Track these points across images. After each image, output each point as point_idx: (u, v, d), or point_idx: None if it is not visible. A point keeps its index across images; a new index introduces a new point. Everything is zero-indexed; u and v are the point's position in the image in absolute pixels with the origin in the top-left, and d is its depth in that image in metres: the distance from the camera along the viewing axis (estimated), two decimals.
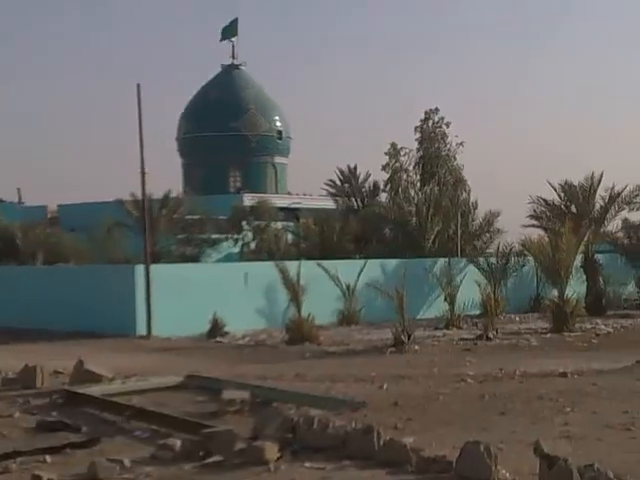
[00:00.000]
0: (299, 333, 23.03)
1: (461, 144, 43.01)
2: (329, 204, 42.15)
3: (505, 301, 29.37)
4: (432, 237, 34.98)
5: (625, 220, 34.63)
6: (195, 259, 34.76)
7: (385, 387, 14.51)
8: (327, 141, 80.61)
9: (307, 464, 9.24)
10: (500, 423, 11.32)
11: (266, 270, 25.85)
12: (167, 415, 11.60)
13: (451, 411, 12.29)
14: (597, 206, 32.63)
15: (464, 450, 8.64)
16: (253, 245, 37.58)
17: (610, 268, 33.04)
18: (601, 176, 32.66)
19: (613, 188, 32.53)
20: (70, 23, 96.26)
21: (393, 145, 42.52)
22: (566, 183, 32.90)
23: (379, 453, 9.28)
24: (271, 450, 9.34)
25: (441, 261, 30.65)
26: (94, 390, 13.75)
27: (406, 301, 22.22)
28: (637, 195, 32.45)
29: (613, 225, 34.11)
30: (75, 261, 33.40)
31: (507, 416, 11.80)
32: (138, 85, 26.17)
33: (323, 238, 35.72)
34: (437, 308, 28.22)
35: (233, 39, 58.80)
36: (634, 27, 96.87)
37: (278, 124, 58.11)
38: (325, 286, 26.84)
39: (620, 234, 34.95)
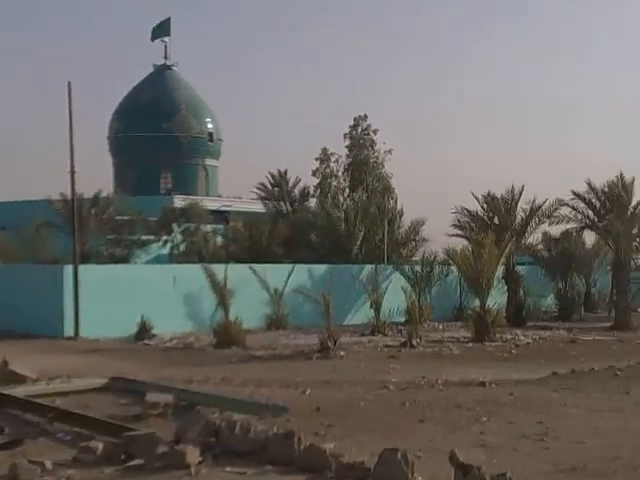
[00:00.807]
0: (227, 337, 23.13)
1: (389, 152, 43.52)
2: (259, 208, 42.24)
3: (429, 309, 29.82)
4: (359, 243, 35.35)
5: (545, 233, 35.46)
6: (124, 260, 34.57)
7: (308, 392, 14.71)
8: (259, 144, 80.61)
9: (228, 468, 9.36)
10: (419, 431, 11.58)
11: (195, 273, 25.87)
12: (90, 417, 11.63)
13: (372, 418, 12.52)
14: (518, 218, 33.26)
15: (382, 457, 8.82)
16: (183, 247, 37.49)
17: (530, 280, 33.78)
18: (522, 189, 33.29)
19: (534, 201, 33.23)
20: None
21: (324, 150, 42.83)
22: (489, 195, 33.43)
23: (299, 458, 9.41)
24: (193, 454, 9.45)
25: (368, 268, 30.99)
26: (17, 391, 13.70)
27: (333, 307, 22.48)
28: (557, 209, 33.12)
29: (534, 238, 34.89)
30: (3, 260, 32.97)
31: (426, 424, 12.07)
32: (69, 83, 26.09)
33: (252, 242, 35.84)
34: (363, 314, 28.54)
35: (166, 39, 58.47)
36: (549, 41, 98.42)
37: (210, 126, 57.97)
38: (253, 290, 26.97)
39: (540, 247, 35.76)
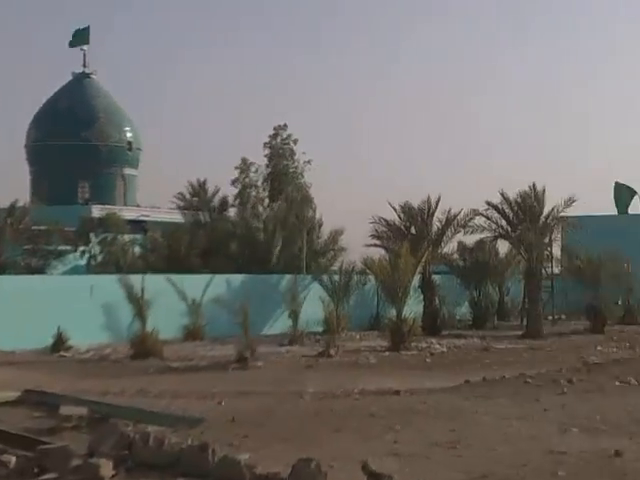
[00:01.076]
0: (143, 348, 22.99)
1: (309, 162, 43.75)
2: (178, 218, 42.05)
3: (347, 319, 30.04)
4: (278, 253, 35.44)
5: (460, 243, 36.01)
6: (41, 271, 34.09)
7: (224, 403, 14.75)
8: (178, 154, 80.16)
9: None
10: (334, 440, 11.71)
11: (112, 283, 25.57)
12: (2, 431, 11.52)
13: (288, 428, 12.61)
14: (435, 228, 33.69)
15: (295, 467, 8.93)
16: (100, 258, 37.13)
17: (446, 289, 34.24)
18: (438, 199, 33.73)
19: (449, 211, 33.72)
20: None
21: (244, 160, 42.83)
22: (406, 204, 33.81)
23: (214, 470, 9.45)
24: (106, 467, 9.44)
25: (287, 277, 31.09)
26: None
27: (250, 317, 22.52)
28: (471, 219, 33.66)
29: (449, 247, 35.40)
30: None
31: (341, 433, 12.21)
32: None
33: (171, 252, 35.67)
34: (282, 324, 28.63)
35: (85, 47, 57.99)
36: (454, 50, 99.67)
37: (129, 135, 57.58)
38: (171, 301, 26.82)
39: (456, 256, 36.30)
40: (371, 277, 30.63)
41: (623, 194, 47.28)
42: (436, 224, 33.77)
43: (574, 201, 33.36)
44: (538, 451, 10.98)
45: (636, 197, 47.19)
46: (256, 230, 36.32)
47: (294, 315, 27.60)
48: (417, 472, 9.67)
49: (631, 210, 46.74)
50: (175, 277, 28.26)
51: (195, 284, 28.31)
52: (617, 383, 17.51)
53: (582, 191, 75.60)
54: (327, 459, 9.60)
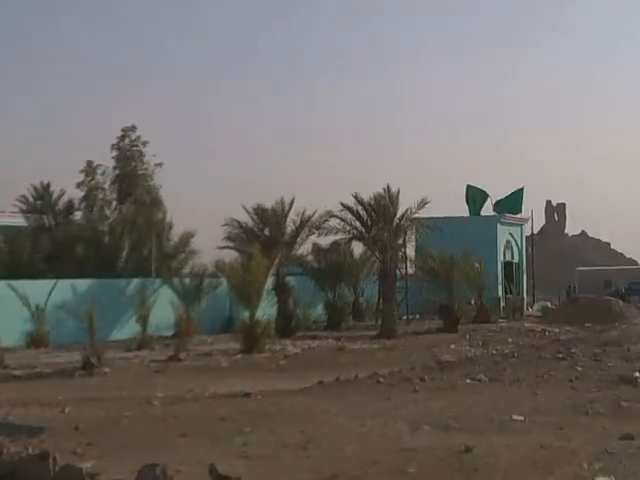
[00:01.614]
0: None
1: (160, 165, 42.93)
2: (20, 221, 40.50)
3: (198, 322, 29.56)
4: (126, 257, 34.61)
5: (315, 244, 36.02)
6: None
7: (67, 411, 14.15)
8: (21, 156, 77.94)
9: None
10: (182, 445, 11.33)
11: None
12: None
13: (134, 434, 12.16)
14: (289, 230, 33.60)
15: (140, 473, 8.56)
16: None
17: (301, 290, 34.19)
18: (292, 201, 33.71)
19: (304, 213, 33.69)
20: None
21: (89, 163, 41.60)
22: (259, 207, 33.61)
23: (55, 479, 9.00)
24: None
25: (135, 281, 30.37)
26: None
27: (97, 322, 21.80)
28: (326, 220, 33.75)
29: (304, 249, 35.38)
30: None
31: (189, 438, 11.83)
32: None
33: (12, 257, 34.38)
34: (130, 329, 27.92)
35: None
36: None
37: None
38: (13, 307, 25.85)
39: (310, 257, 36.30)
40: (223, 280, 30.25)
41: (475, 196, 48.47)
42: (290, 226, 33.72)
43: (427, 203, 33.89)
44: (389, 449, 10.88)
45: (488, 199, 48.48)
46: (102, 233, 35.38)
47: (142, 319, 26.99)
48: (266, 474, 9.48)
49: (483, 212, 47.97)
50: (17, 283, 27.19)
51: (39, 290, 27.40)
52: (468, 381, 17.69)
53: (439, 193, 77.53)
54: (174, 464, 9.30)
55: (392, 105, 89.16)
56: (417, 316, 37.91)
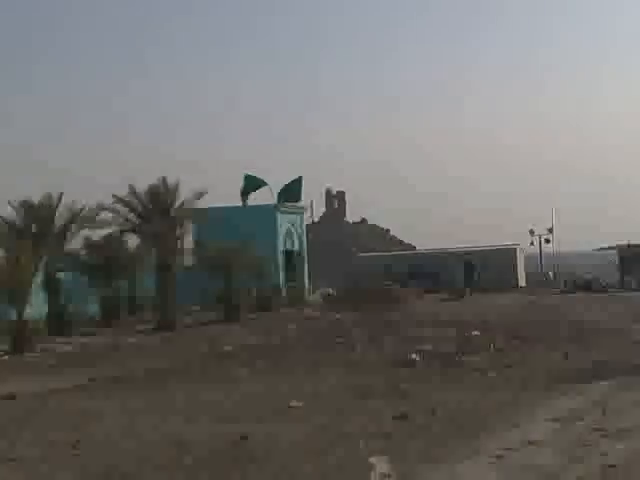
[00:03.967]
0: None
1: None
2: None
3: None
4: None
5: (87, 238, 34.56)
6: None
7: None
8: None
9: None
10: None
11: None
12: None
13: None
14: (58, 224, 32.02)
15: None
16: None
17: (74, 286, 32.90)
18: (61, 195, 32.14)
19: (73, 206, 32.25)
20: None
21: None
22: (25, 202, 31.90)
23: None
24: None
25: None
26: None
27: None
28: (98, 213, 32.64)
29: (77, 243, 34.00)
30: None
31: None
32: None
33: None
34: None
35: None
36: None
37: None
38: None
39: (84, 252, 34.94)
40: None
41: (252, 185, 48.47)
42: (60, 221, 32.24)
43: (204, 193, 33.58)
44: (164, 442, 10.52)
45: (267, 187, 48.53)
46: None
47: None
48: (34, 475, 8.98)
49: (264, 201, 47.97)
50: None
51: None
52: (247, 369, 17.60)
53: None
54: None
55: None
56: (197, 308, 37.48)
